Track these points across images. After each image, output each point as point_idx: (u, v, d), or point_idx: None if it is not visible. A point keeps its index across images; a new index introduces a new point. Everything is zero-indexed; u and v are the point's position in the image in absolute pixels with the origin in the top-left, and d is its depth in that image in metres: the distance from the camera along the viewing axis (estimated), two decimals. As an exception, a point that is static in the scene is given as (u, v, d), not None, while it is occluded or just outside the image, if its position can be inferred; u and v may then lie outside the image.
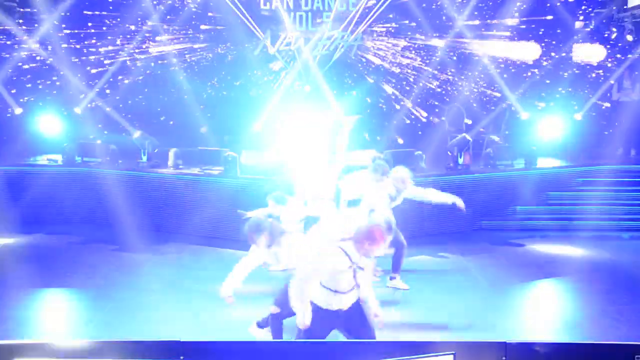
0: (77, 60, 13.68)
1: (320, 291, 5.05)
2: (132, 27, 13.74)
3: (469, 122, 13.33)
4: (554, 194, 11.45)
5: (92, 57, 13.68)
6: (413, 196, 8.05)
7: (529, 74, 14.02)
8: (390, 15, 14.12)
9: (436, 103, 14.37)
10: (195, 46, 14.15)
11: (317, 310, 5.04)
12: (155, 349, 3.90)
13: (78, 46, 13.77)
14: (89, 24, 13.75)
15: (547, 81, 14.10)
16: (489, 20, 14.12)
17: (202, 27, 14.10)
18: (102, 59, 13.69)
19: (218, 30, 14.10)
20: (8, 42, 13.21)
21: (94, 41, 13.78)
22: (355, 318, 5.13)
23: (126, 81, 13.81)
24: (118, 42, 13.76)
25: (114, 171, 11.02)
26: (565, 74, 13.99)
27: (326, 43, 14.07)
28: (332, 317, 5.05)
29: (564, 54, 14.00)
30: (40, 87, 13.58)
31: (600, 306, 7.51)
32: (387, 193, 7.84)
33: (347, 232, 5.25)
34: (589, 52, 13.82)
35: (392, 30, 14.25)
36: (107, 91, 13.71)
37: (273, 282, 6.60)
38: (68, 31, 13.62)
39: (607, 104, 13.83)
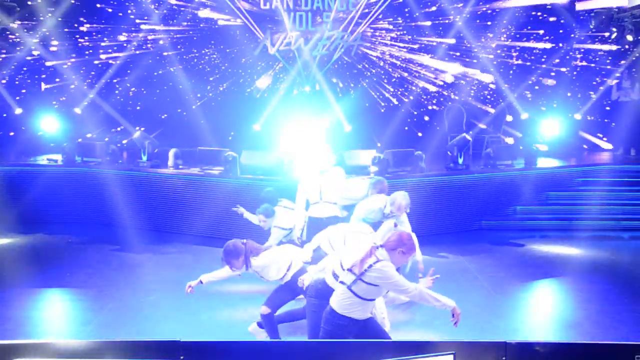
0: (76, 59, 13.70)
1: (361, 303, 5.01)
2: (132, 26, 13.78)
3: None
4: (554, 194, 11.45)
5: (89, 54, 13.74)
6: (400, 225, 7.90)
7: (534, 75, 14.05)
8: (399, 18, 14.13)
9: (437, 108, 14.38)
10: (195, 45, 14.18)
11: (354, 323, 5.00)
12: (155, 349, 3.90)
13: (84, 41, 13.81)
14: (87, 26, 13.80)
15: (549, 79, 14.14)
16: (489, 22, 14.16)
17: (201, 25, 14.12)
18: (106, 54, 13.74)
19: (218, 30, 14.10)
20: (8, 42, 13.22)
21: (92, 38, 13.81)
22: (374, 322, 5.16)
23: (124, 79, 13.85)
24: (118, 37, 13.79)
25: (114, 171, 11.02)
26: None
27: (326, 43, 14.07)
28: (361, 325, 5.05)
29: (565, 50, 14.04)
30: (38, 86, 13.60)
31: (600, 306, 7.51)
32: (379, 207, 7.70)
33: (376, 239, 5.28)
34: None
35: (392, 30, 14.26)
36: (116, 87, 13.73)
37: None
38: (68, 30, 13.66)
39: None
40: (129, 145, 12.29)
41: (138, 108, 13.96)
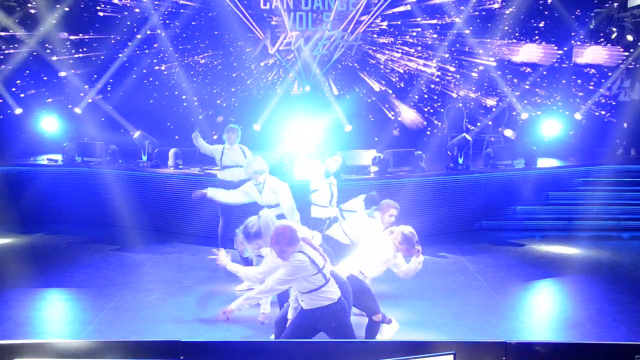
0: (77, 58, 13.70)
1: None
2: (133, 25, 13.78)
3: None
4: (554, 194, 11.46)
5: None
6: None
7: (529, 70, 14.06)
8: (402, 20, 14.16)
9: (439, 107, 14.38)
10: (196, 46, 14.18)
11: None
12: (155, 349, 3.90)
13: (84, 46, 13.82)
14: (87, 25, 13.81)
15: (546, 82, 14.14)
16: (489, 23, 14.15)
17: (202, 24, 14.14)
18: (102, 57, 13.75)
19: (218, 30, 14.10)
20: (9, 43, 13.23)
21: (93, 38, 13.81)
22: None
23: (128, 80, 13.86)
24: (119, 37, 13.80)
25: (114, 171, 11.02)
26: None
27: (326, 43, 14.07)
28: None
29: (563, 51, 14.03)
30: (39, 85, 13.60)
31: (600, 306, 7.51)
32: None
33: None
34: (592, 56, 13.86)
35: (392, 30, 14.26)
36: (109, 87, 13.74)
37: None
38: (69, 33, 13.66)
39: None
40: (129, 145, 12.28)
41: (137, 114, 13.94)
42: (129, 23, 13.68)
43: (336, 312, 4.99)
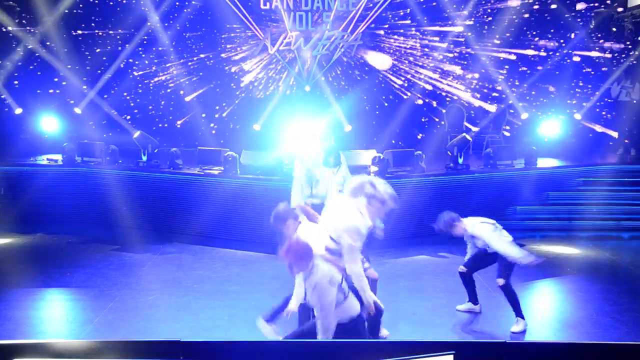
0: (77, 59, 13.71)
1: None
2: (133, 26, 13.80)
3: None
4: (554, 194, 11.45)
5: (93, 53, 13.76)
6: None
7: (528, 71, 14.07)
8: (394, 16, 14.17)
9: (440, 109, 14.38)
10: (196, 45, 14.20)
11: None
12: (155, 349, 3.90)
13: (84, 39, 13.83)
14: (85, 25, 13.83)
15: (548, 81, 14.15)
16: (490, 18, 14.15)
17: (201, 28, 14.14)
18: (104, 57, 13.76)
19: (218, 30, 14.12)
20: (8, 42, 13.24)
21: (92, 38, 13.82)
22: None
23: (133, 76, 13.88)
24: (117, 38, 13.81)
25: (114, 171, 11.01)
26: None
27: (326, 43, 14.07)
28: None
29: (562, 52, 14.05)
30: (39, 85, 13.61)
31: (600, 306, 7.52)
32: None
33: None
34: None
35: (392, 31, 14.27)
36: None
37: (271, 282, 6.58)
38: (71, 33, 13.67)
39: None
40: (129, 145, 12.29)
41: (137, 113, 13.93)
42: (123, 15, 13.68)
43: (357, 327, 4.98)
